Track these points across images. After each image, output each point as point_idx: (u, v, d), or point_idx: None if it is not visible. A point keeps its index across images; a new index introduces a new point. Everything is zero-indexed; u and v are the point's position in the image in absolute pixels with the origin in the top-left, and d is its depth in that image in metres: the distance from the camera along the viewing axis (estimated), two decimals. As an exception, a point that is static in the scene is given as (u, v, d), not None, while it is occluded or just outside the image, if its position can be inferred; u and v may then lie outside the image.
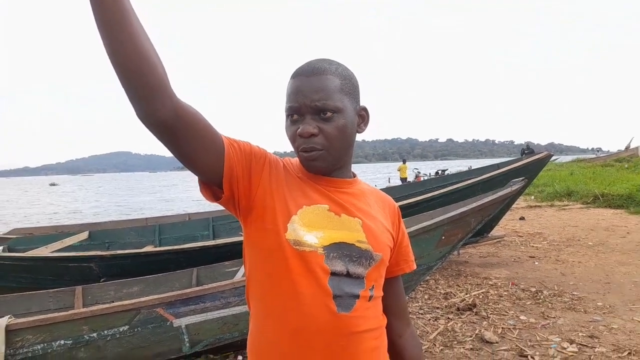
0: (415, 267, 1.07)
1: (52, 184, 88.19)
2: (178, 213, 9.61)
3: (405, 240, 1.05)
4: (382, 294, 0.97)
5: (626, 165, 18.07)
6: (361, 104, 0.97)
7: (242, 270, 3.43)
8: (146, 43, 0.72)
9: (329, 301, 0.86)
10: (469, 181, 5.40)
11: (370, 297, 0.91)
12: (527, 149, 18.71)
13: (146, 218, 8.24)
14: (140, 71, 0.71)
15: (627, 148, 24.27)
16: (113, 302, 3.50)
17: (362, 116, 0.98)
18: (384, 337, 0.98)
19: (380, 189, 1.10)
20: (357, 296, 0.89)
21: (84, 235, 6.31)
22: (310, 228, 0.89)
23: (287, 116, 0.91)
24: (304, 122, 0.88)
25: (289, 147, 0.98)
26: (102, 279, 4.61)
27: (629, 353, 3.00)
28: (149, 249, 5.53)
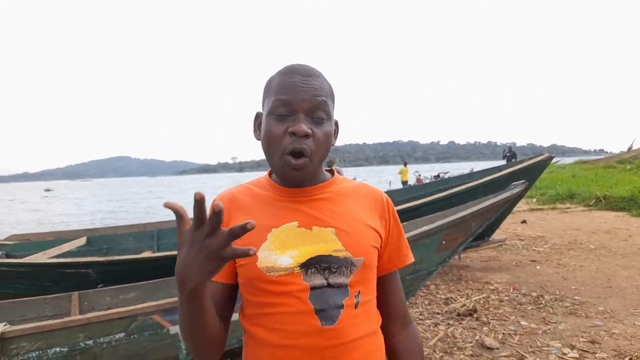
0: (410, 260, 1.01)
1: (47, 190, 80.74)
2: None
3: (397, 233, 0.99)
4: (373, 296, 0.95)
5: (628, 167, 17.99)
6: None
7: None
8: (220, 335, 0.89)
9: (311, 317, 0.85)
10: (470, 184, 5.36)
11: (357, 304, 0.89)
12: (509, 152, 18.63)
13: (144, 223, 8.22)
14: (206, 355, 0.88)
15: (629, 149, 24.18)
16: (110, 308, 3.48)
17: (337, 128, 0.97)
18: (382, 339, 0.96)
19: None
20: (342, 306, 0.87)
21: (82, 240, 6.29)
22: (284, 249, 0.88)
23: (270, 113, 0.87)
24: (296, 120, 0.84)
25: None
26: (100, 285, 4.59)
27: (630, 359, 2.96)
28: (147, 254, 5.50)
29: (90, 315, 2.65)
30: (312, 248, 0.88)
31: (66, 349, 2.63)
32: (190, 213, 0.70)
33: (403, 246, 1.01)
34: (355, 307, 0.89)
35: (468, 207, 3.70)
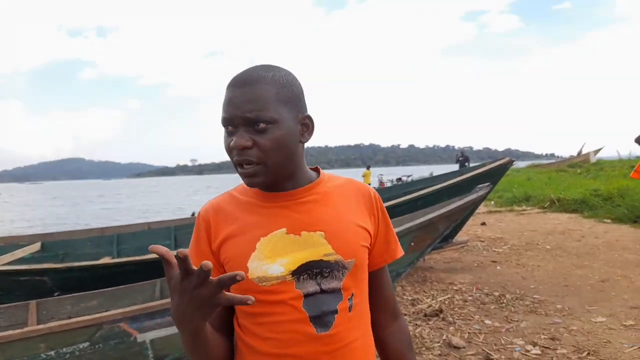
0: (400, 254, 1.02)
1: None
2: (137, 222, 9.22)
3: (386, 228, 0.99)
4: (365, 296, 0.95)
5: (579, 171, 18.89)
6: (306, 112, 0.92)
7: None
8: (227, 351, 0.92)
9: (307, 325, 0.85)
10: (435, 187, 5.48)
11: (351, 307, 0.89)
12: (462, 156, 19.29)
13: (102, 227, 7.93)
14: None
15: (579, 154, 25.35)
16: (71, 317, 3.33)
17: (306, 125, 0.92)
18: (371, 335, 0.97)
19: None
20: (336, 311, 0.87)
21: (37, 246, 6.01)
22: (274, 257, 0.87)
23: (224, 127, 0.88)
24: (237, 135, 0.84)
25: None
26: (57, 293, 4.39)
27: (588, 353, 3.10)
28: (106, 260, 5.32)
29: (52, 324, 2.53)
30: (303, 254, 0.87)
31: (25, 361, 2.50)
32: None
33: (392, 241, 1.01)
34: (349, 311, 0.89)
35: (436, 209, 3.79)
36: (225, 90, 0.87)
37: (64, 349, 2.54)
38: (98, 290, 3.57)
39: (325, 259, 0.87)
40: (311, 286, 0.86)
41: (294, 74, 0.92)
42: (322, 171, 0.99)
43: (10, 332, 2.48)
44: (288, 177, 0.91)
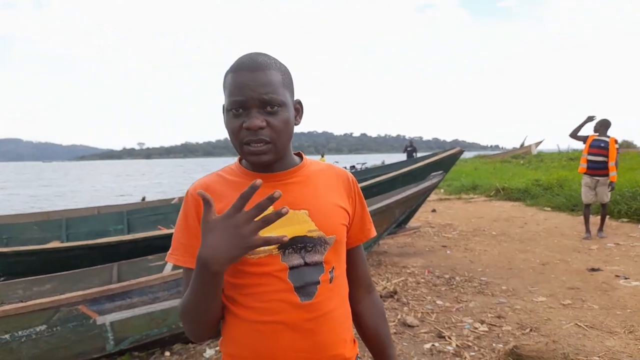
0: (373, 234, 1.10)
1: None
2: (86, 206, 8.89)
3: (361, 210, 1.07)
4: (344, 270, 1.03)
5: (522, 162, 19.88)
6: (295, 98, 1.00)
7: (170, 264, 3.31)
8: (217, 318, 0.96)
9: (291, 294, 0.92)
10: (390, 174, 5.64)
11: (331, 279, 0.96)
12: (410, 146, 19.99)
13: (48, 211, 7.61)
14: (206, 333, 0.96)
15: (521, 146, 26.62)
16: (22, 301, 3.22)
17: (298, 109, 1.00)
18: (349, 305, 1.04)
19: None
20: (318, 282, 0.94)
21: (-22, 230, 5.71)
22: (262, 233, 0.91)
23: (229, 110, 0.92)
24: (250, 116, 0.89)
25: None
26: (2, 278, 4.21)
27: (530, 330, 3.35)
28: (57, 244, 5.13)
29: (6, 307, 2.46)
30: (288, 230, 0.92)
31: (-23, 345, 2.42)
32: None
33: (367, 221, 1.09)
34: (330, 282, 0.97)
35: (392, 195, 3.92)
36: (232, 75, 0.91)
37: (20, 332, 2.47)
38: (52, 274, 3.47)
39: (309, 234, 0.94)
40: (296, 259, 0.93)
41: None
42: (304, 156, 1.06)
43: (-39, 316, 2.39)
44: (282, 158, 0.97)
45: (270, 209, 0.89)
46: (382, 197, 4.10)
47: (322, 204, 0.98)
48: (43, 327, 2.51)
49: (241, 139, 0.90)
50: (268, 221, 0.79)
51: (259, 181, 0.77)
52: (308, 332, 0.93)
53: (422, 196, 4.04)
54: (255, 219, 0.79)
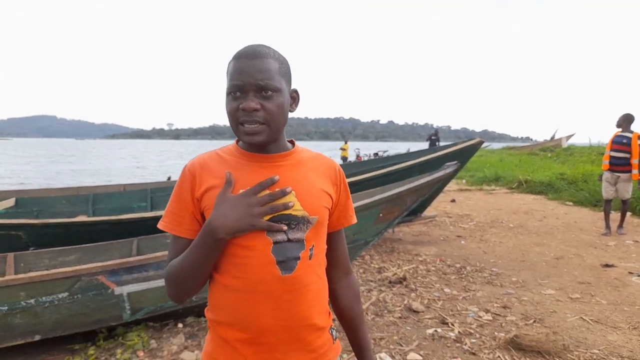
0: (354, 221, 1.19)
1: None
2: (113, 183, 9.19)
3: (345, 198, 1.17)
4: (323, 248, 1.12)
5: (549, 155, 19.44)
6: (292, 87, 1.10)
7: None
8: (204, 281, 1.06)
9: (273, 267, 1.01)
10: (406, 163, 5.67)
11: (311, 256, 1.06)
12: (435, 135, 19.84)
13: (77, 187, 7.91)
14: (190, 295, 1.07)
15: (552, 138, 25.97)
16: (47, 269, 3.44)
17: (294, 97, 1.11)
18: (326, 282, 1.14)
19: None
20: (298, 258, 1.03)
21: (10, 202, 6.01)
22: None
23: (229, 94, 1.02)
24: (246, 99, 0.99)
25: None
26: (32, 248, 4.45)
27: (534, 321, 3.39)
28: (83, 218, 5.38)
29: (32, 274, 2.64)
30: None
31: (5, 308, 2.62)
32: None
33: (349, 209, 1.19)
34: (310, 259, 1.06)
35: (404, 184, 3.97)
36: (233, 62, 1.02)
37: (44, 298, 2.66)
38: (77, 246, 3.67)
39: (294, 213, 1.03)
40: (280, 235, 1.02)
41: None
42: (296, 143, 1.16)
43: (-8, 280, 2.59)
44: (275, 141, 1.07)
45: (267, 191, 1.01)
46: (395, 185, 4.16)
47: (309, 187, 1.06)
48: (65, 294, 2.69)
49: (237, 119, 1.00)
50: (275, 208, 0.98)
51: (276, 177, 0.99)
52: (287, 302, 1.02)
53: (435, 186, 4.06)
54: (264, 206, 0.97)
